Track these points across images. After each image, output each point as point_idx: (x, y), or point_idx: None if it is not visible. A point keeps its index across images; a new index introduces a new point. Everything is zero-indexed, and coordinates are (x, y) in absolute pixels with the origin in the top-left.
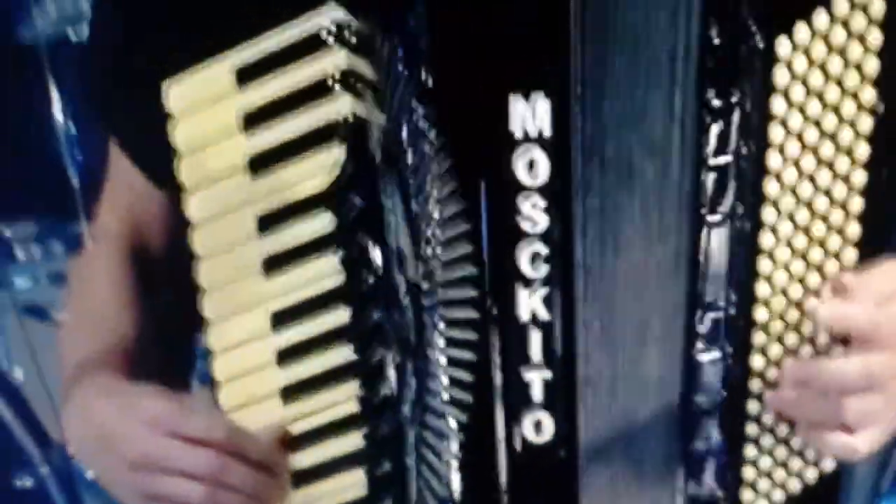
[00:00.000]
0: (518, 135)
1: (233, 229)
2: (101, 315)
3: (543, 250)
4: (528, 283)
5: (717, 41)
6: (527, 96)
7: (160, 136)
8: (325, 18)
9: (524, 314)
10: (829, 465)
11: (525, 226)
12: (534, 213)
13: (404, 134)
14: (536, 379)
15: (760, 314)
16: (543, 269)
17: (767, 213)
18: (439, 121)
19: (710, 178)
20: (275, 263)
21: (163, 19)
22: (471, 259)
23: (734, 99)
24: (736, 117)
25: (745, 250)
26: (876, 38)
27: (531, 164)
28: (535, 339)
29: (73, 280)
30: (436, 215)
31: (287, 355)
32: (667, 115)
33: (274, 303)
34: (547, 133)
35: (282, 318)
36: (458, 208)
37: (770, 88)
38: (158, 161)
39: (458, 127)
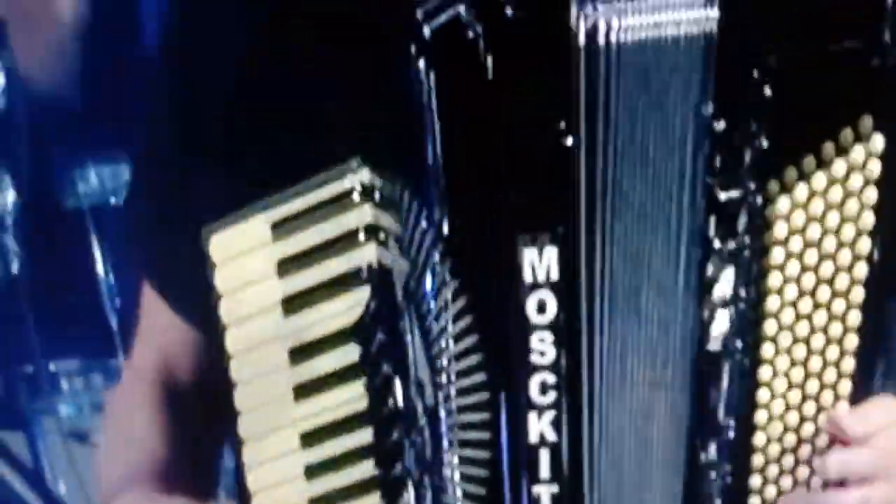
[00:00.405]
0: (528, 279)
1: (266, 360)
2: (134, 439)
3: (552, 379)
4: (537, 408)
5: (720, 198)
6: (536, 245)
7: (194, 281)
8: (354, 179)
9: (533, 436)
10: None
11: (535, 358)
12: (543, 347)
13: (425, 276)
14: (545, 493)
15: (759, 439)
16: (552, 396)
17: (766, 350)
18: (456, 265)
19: (712, 315)
20: (304, 390)
21: (202, 174)
22: (483, 387)
23: (736, 248)
24: (738, 265)
25: (744, 382)
26: (871, 195)
27: (540, 305)
28: (544, 458)
29: (109, 409)
30: (452, 348)
31: (315, 470)
32: (671, 262)
33: (303, 424)
34: (555, 277)
35: (310, 438)
36: (472, 342)
37: (770, 240)
38: (192, 303)
39: (473, 271)
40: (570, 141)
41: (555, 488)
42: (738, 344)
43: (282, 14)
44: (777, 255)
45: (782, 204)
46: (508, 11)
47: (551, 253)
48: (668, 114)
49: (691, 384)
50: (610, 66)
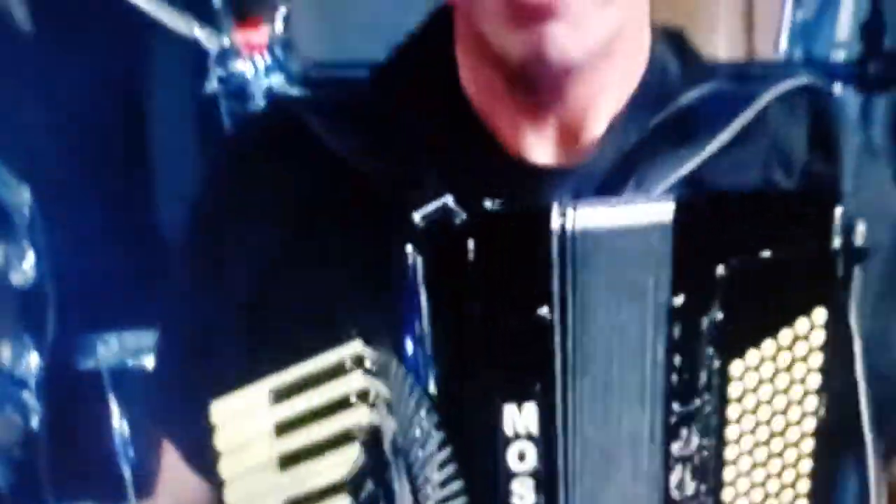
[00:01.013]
0: (509, 433)
1: (261, 497)
2: None
3: None
4: None
5: (678, 364)
6: (517, 404)
7: (208, 439)
8: (348, 351)
9: None
10: None
11: (515, 500)
12: (523, 492)
13: (412, 430)
14: None
15: None
16: None
17: (726, 494)
18: (442, 420)
19: (676, 466)
20: None
21: (208, 352)
22: None
23: (695, 407)
24: (698, 420)
25: None
26: (816, 359)
27: (521, 455)
28: None
29: None
30: (438, 494)
31: None
32: (638, 420)
33: None
34: (534, 430)
35: None
36: (457, 488)
37: (725, 399)
38: (205, 458)
39: (457, 425)
40: (544, 313)
41: None
42: (702, 488)
43: (295, 211)
44: (732, 411)
45: (736, 367)
46: (488, 204)
47: (530, 408)
48: (633, 292)
49: None
50: (580, 249)
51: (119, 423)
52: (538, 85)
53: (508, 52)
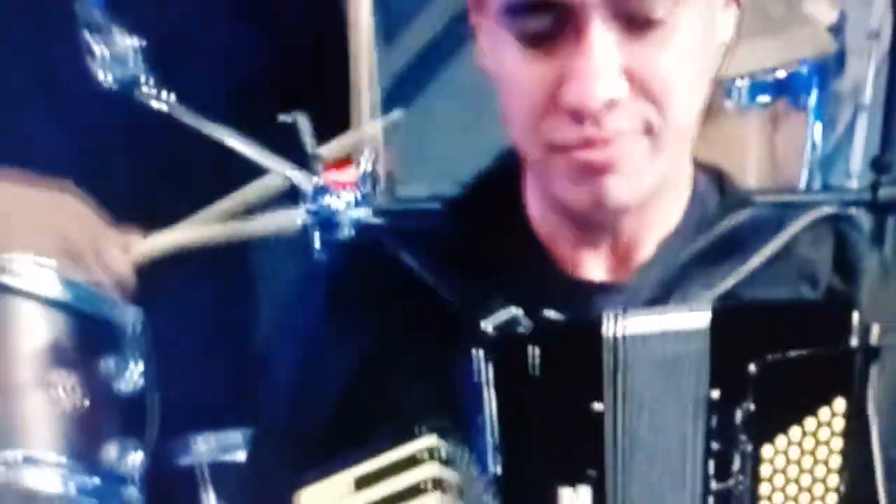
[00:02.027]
0: None
1: None
2: None
3: None
4: None
5: (716, 449)
6: (573, 486)
7: None
8: (423, 443)
9: None
10: None
11: None
12: None
13: None
14: None
15: None
16: None
17: None
18: (506, 501)
19: None
20: None
21: (296, 447)
22: None
23: (731, 486)
24: (734, 497)
25: None
26: (837, 444)
27: None
28: None
29: None
30: None
31: None
32: (680, 500)
33: None
34: None
35: None
36: None
37: (758, 478)
38: None
39: None
40: (598, 407)
41: None
42: None
43: (380, 325)
44: (764, 489)
45: (766, 450)
46: (552, 314)
47: (585, 491)
48: (676, 388)
49: None
50: (629, 352)
51: None
52: (596, 223)
53: (573, 202)
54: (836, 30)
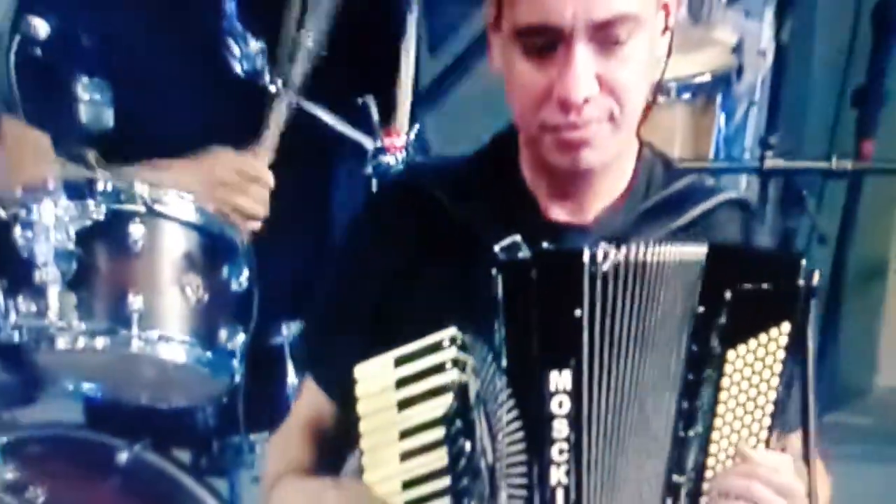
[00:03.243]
0: (552, 389)
1: (384, 437)
2: (290, 457)
3: (566, 447)
4: (555, 464)
5: (694, 349)
6: (559, 370)
7: (343, 381)
8: (447, 333)
9: (553, 481)
10: None
11: (555, 435)
12: (561, 428)
13: (490, 389)
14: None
15: (709, 474)
16: (566, 456)
17: (715, 434)
18: (509, 382)
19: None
20: (408, 453)
21: (349, 328)
22: (523, 452)
23: (705, 375)
24: (706, 381)
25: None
26: (781, 355)
27: (560, 404)
28: (560, 494)
29: (273, 441)
30: (505, 429)
31: (410, 484)
32: (656, 376)
33: (403, 475)
34: (569, 388)
35: (408, 483)
36: (517, 426)
37: (721, 374)
38: (336, 392)
39: (519, 386)
40: (578, 313)
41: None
42: (699, 429)
43: (415, 242)
44: (725, 383)
45: (730, 354)
46: (545, 244)
47: (567, 374)
48: (665, 303)
49: (669, 455)
50: (611, 276)
51: (292, 378)
52: (570, 180)
53: (558, 165)
54: (736, 49)
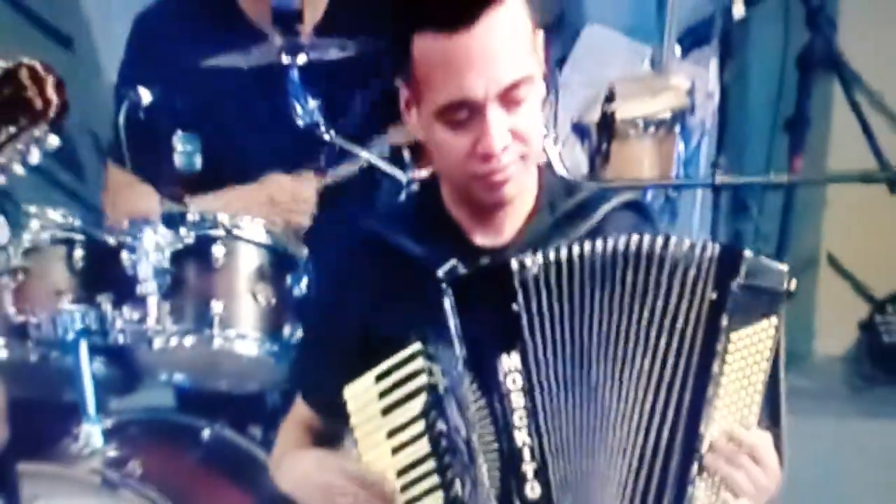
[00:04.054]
0: (506, 369)
1: (375, 436)
2: (292, 439)
3: (524, 413)
4: (518, 428)
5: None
6: (508, 354)
7: (329, 401)
8: (412, 348)
9: (518, 442)
10: None
11: (514, 405)
12: (517, 400)
13: (456, 381)
14: (529, 469)
15: (706, 446)
16: (525, 420)
17: (716, 396)
18: (471, 371)
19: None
20: (397, 448)
21: (334, 360)
22: (490, 423)
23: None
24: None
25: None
26: (769, 343)
27: (514, 381)
28: (526, 451)
29: (282, 429)
30: (472, 406)
31: (402, 472)
32: (603, 362)
33: (395, 461)
34: (519, 367)
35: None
36: (482, 403)
37: (724, 358)
38: (324, 411)
39: (479, 371)
40: (515, 308)
41: (532, 465)
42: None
43: (380, 276)
44: (728, 358)
45: (732, 337)
46: (484, 261)
47: (515, 356)
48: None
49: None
50: (541, 279)
51: None
52: (490, 209)
53: (485, 200)
54: (690, 92)
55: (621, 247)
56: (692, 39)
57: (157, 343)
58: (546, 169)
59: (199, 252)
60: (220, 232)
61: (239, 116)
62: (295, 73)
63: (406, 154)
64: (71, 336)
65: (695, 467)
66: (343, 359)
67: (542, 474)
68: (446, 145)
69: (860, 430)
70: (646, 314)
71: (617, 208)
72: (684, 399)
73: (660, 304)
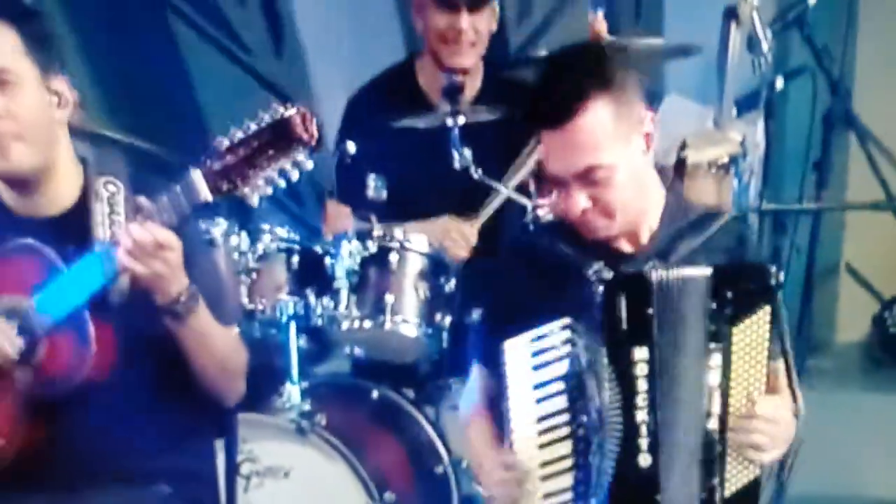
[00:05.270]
0: (636, 358)
1: (522, 383)
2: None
3: (645, 395)
4: (640, 408)
5: (712, 329)
6: (640, 346)
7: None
8: (564, 321)
9: (639, 419)
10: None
11: (638, 388)
12: (641, 384)
13: (595, 358)
14: (643, 442)
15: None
16: (646, 401)
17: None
18: (608, 354)
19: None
20: (541, 398)
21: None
22: (618, 400)
23: (725, 343)
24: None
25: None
26: (767, 327)
27: (641, 368)
28: (643, 428)
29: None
30: (606, 385)
31: (542, 419)
32: (694, 346)
33: (538, 408)
34: (647, 359)
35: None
36: (614, 383)
37: (731, 342)
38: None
39: (615, 356)
40: (650, 312)
41: (647, 440)
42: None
43: (537, 277)
44: (734, 348)
45: (737, 328)
46: (628, 269)
47: (645, 350)
48: (695, 301)
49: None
50: (665, 286)
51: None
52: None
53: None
54: (742, 142)
55: (700, 275)
56: (745, 104)
57: (345, 325)
58: (668, 194)
59: (379, 258)
60: (396, 244)
61: (415, 162)
62: (456, 131)
63: (532, 187)
64: (285, 319)
65: (722, 443)
66: (504, 327)
67: (652, 447)
68: (557, 198)
69: (872, 403)
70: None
71: (727, 221)
72: (712, 385)
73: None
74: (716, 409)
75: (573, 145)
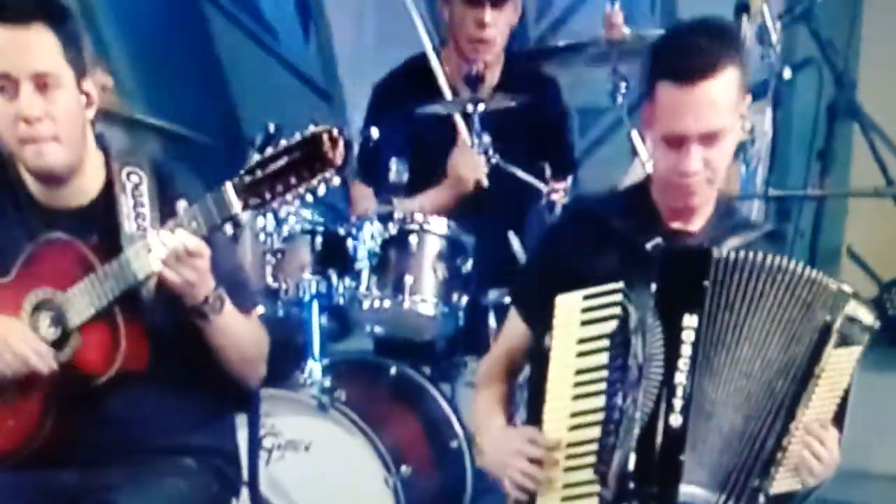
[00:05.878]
0: (685, 325)
1: (568, 337)
2: (493, 370)
3: (688, 361)
4: (680, 371)
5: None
6: (691, 314)
7: (544, 312)
8: (616, 285)
9: (676, 381)
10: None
11: (682, 352)
12: (686, 350)
13: (647, 321)
14: (678, 404)
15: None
16: (687, 366)
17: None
18: (659, 320)
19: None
20: (583, 353)
21: (558, 279)
22: (661, 362)
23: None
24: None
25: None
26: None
27: (688, 335)
28: (679, 390)
29: (484, 363)
30: (652, 345)
31: (581, 371)
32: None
33: (579, 362)
34: (695, 326)
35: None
36: (660, 344)
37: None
38: (537, 322)
39: (667, 321)
40: (706, 284)
41: (681, 401)
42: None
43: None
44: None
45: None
46: (689, 244)
47: (695, 317)
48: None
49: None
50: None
51: (492, 323)
52: (681, 208)
53: (674, 201)
54: (751, 131)
55: (768, 262)
56: (754, 94)
57: (365, 304)
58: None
59: (399, 240)
60: (415, 226)
61: (434, 149)
62: (476, 118)
63: (546, 170)
64: (307, 298)
65: (782, 448)
66: (554, 286)
67: (685, 409)
68: (663, 159)
69: (869, 380)
70: (776, 314)
71: (766, 232)
72: (788, 391)
73: (788, 308)
74: (782, 411)
75: (707, 103)
